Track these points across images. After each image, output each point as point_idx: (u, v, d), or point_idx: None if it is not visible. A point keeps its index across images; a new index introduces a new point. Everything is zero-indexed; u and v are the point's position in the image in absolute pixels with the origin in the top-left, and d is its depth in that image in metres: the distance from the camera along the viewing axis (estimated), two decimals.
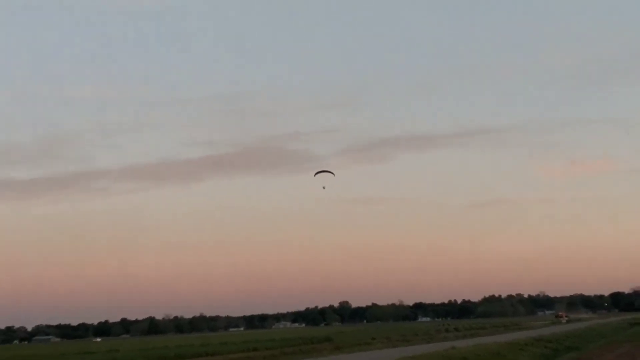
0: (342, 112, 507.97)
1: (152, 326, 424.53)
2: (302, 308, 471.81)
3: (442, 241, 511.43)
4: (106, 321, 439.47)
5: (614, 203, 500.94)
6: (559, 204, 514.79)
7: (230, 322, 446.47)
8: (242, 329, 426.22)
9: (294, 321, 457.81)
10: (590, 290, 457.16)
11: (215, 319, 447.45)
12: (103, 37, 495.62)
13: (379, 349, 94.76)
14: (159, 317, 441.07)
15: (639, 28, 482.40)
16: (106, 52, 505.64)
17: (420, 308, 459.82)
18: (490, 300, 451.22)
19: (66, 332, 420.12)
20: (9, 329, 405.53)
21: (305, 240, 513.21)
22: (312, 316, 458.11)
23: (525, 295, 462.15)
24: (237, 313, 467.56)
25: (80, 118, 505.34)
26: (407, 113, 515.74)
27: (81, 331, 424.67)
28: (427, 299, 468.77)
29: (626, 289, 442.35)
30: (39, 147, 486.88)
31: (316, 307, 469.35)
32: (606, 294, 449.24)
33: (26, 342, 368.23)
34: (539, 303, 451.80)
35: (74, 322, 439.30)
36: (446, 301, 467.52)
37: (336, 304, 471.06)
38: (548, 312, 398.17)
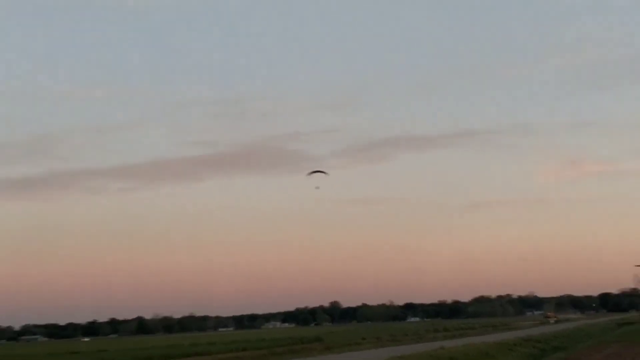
0: (341, 112, 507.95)
1: (140, 326, 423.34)
2: (292, 308, 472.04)
3: (431, 242, 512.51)
4: (94, 321, 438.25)
5: (604, 205, 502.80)
6: (548, 205, 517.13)
7: (219, 322, 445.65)
8: (231, 329, 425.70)
9: (284, 321, 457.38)
10: (578, 291, 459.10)
11: (204, 319, 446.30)
12: (98, 35, 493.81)
13: (368, 349, 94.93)
14: (147, 317, 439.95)
15: (635, 31, 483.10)
16: (103, 51, 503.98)
17: (410, 308, 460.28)
18: (480, 301, 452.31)
19: (54, 331, 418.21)
20: None
21: (295, 240, 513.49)
22: (303, 316, 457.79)
23: (515, 296, 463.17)
24: (226, 313, 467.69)
25: (75, 117, 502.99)
26: (406, 113, 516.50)
27: (69, 331, 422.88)
28: (417, 300, 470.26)
29: (614, 290, 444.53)
30: (32, 145, 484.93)
31: (306, 307, 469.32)
32: (595, 294, 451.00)
33: (14, 342, 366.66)
34: (528, 303, 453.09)
35: (62, 322, 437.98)
36: (436, 301, 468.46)
37: (326, 304, 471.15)
38: (537, 313, 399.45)
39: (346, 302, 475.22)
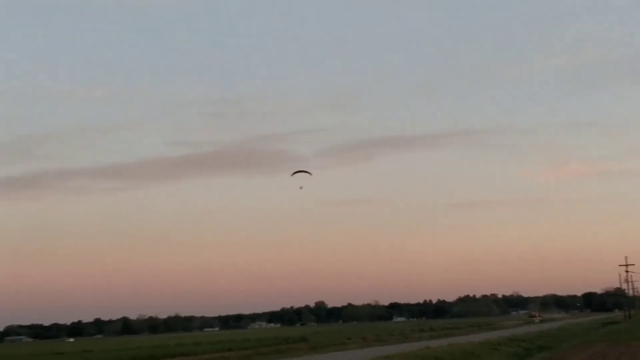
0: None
1: (125, 326, 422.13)
2: (277, 308, 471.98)
3: (416, 242, 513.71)
4: (79, 321, 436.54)
5: (588, 205, 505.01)
6: (531, 207, 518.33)
7: (205, 322, 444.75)
8: (217, 329, 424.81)
9: (269, 321, 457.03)
10: (563, 291, 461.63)
11: (190, 319, 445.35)
12: (84, 34, 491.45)
13: (354, 349, 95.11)
14: (132, 317, 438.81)
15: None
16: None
17: (395, 308, 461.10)
18: (465, 301, 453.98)
19: (38, 332, 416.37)
20: None
21: (281, 240, 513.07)
22: (288, 316, 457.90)
23: (500, 296, 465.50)
24: (212, 313, 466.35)
25: (59, 116, 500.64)
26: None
27: (54, 331, 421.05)
28: (403, 299, 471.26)
29: (598, 289, 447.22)
30: (16, 145, 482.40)
31: (292, 307, 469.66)
32: (579, 294, 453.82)
33: None
34: (513, 303, 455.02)
35: (47, 323, 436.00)
36: (421, 301, 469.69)
37: (312, 304, 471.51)
38: (522, 312, 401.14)
39: (331, 302, 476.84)
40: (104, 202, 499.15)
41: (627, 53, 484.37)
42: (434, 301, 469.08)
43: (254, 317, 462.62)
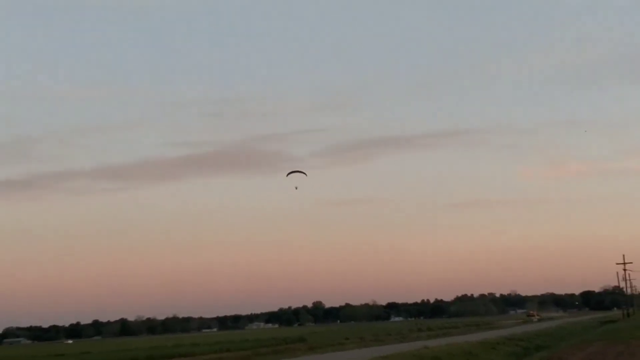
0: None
1: (124, 328, 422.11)
2: (275, 308, 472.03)
3: (413, 241, 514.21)
4: (78, 323, 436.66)
5: (585, 204, 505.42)
6: (529, 205, 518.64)
7: (203, 323, 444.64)
8: (215, 329, 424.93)
9: (267, 322, 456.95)
10: (561, 289, 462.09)
11: (188, 320, 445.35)
12: (84, 34, 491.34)
13: (352, 349, 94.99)
14: (131, 318, 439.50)
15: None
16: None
17: (393, 308, 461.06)
18: (463, 300, 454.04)
19: (37, 334, 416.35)
20: None
21: (278, 241, 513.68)
22: (286, 316, 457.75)
23: (497, 295, 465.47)
24: (210, 314, 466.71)
25: (59, 117, 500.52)
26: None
27: (52, 333, 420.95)
28: (400, 299, 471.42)
29: (596, 288, 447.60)
30: (16, 145, 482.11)
31: (289, 307, 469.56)
32: (577, 292, 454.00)
33: None
34: (511, 302, 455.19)
35: (45, 324, 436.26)
36: (419, 301, 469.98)
37: (309, 304, 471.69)
38: (520, 311, 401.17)
39: (329, 302, 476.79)
40: (104, 203, 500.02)
41: (627, 52, 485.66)
42: (432, 301, 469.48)
43: (252, 318, 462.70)
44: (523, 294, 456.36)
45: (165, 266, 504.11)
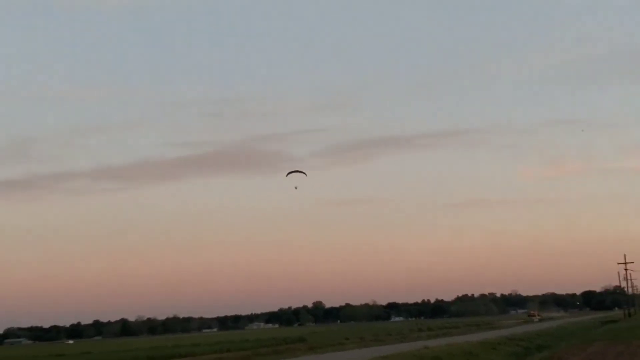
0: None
1: (124, 328, 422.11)
2: (275, 308, 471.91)
3: (414, 241, 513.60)
4: (78, 323, 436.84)
5: (586, 203, 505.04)
6: (530, 205, 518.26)
7: (203, 323, 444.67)
8: (215, 330, 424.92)
9: (267, 322, 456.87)
10: (562, 289, 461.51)
11: (188, 320, 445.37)
12: (84, 34, 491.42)
13: (352, 349, 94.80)
14: (131, 318, 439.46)
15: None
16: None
17: (393, 308, 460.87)
18: (463, 300, 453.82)
19: (38, 334, 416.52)
20: None
21: (278, 241, 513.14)
22: (286, 316, 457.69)
23: (498, 295, 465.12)
24: (210, 314, 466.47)
25: (59, 117, 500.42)
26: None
27: (53, 333, 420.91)
28: (401, 299, 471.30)
29: (598, 288, 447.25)
30: (15, 146, 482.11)
31: (290, 307, 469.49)
32: (578, 292, 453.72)
33: None
34: (512, 302, 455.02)
35: (46, 325, 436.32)
36: (419, 301, 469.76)
37: (310, 304, 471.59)
38: (520, 311, 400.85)
39: (329, 302, 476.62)
40: (104, 203, 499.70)
41: (627, 52, 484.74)
42: (432, 301, 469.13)
43: (252, 318, 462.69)
44: (524, 293, 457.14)
45: (165, 266, 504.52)
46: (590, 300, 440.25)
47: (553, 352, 72.18)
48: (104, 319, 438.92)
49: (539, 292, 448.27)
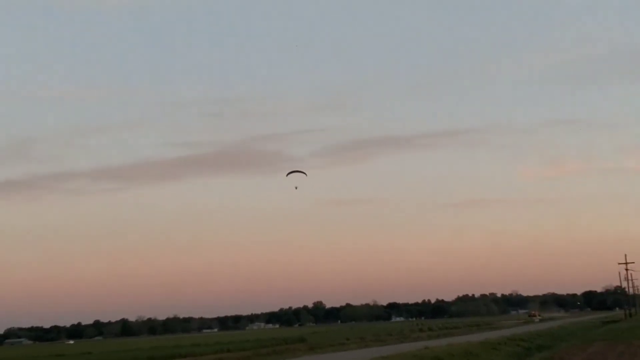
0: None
1: (125, 328, 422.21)
2: (276, 309, 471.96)
3: (414, 241, 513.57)
4: (79, 323, 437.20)
5: (586, 203, 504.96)
6: (531, 205, 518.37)
7: (203, 324, 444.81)
8: (215, 330, 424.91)
9: (267, 322, 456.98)
10: (563, 290, 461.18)
11: (188, 321, 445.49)
12: (84, 34, 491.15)
13: (352, 350, 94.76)
14: (131, 319, 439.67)
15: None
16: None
17: (394, 308, 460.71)
18: (464, 300, 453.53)
19: (38, 334, 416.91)
20: None
21: (279, 241, 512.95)
22: (286, 317, 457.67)
23: (499, 295, 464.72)
24: (210, 314, 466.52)
25: (59, 117, 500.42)
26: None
27: (53, 334, 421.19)
28: (401, 299, 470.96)
29: (598, 288, 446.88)
30: (15, 146, 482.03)
31: (290, 307, 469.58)
32: (579, 292, 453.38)
33: None
34: (512, 302, 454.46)
35: (46, 325, 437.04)
36: (420, 301, 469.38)
37: (310, 305, 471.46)
38: (521, 311, 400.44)
39: (330, 303, 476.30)
40: (104, 203, 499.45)
41: (627, 52, 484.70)
42: (433, 301, 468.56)
43: (253, 318, 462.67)
44: (524, 294, 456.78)
45: (165, 266, 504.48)
46: (591, 300, 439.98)
47: (554, 353, 72.05)
48: (104, 319, 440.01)
49: (540, 292, 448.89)
